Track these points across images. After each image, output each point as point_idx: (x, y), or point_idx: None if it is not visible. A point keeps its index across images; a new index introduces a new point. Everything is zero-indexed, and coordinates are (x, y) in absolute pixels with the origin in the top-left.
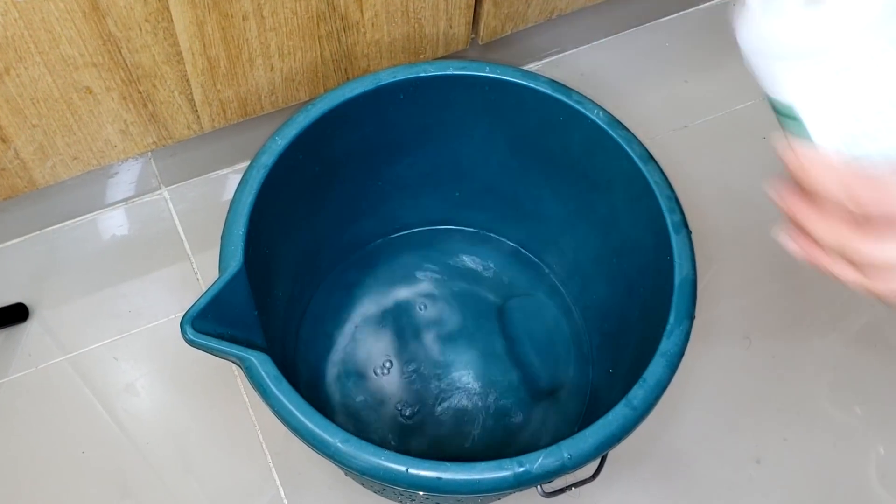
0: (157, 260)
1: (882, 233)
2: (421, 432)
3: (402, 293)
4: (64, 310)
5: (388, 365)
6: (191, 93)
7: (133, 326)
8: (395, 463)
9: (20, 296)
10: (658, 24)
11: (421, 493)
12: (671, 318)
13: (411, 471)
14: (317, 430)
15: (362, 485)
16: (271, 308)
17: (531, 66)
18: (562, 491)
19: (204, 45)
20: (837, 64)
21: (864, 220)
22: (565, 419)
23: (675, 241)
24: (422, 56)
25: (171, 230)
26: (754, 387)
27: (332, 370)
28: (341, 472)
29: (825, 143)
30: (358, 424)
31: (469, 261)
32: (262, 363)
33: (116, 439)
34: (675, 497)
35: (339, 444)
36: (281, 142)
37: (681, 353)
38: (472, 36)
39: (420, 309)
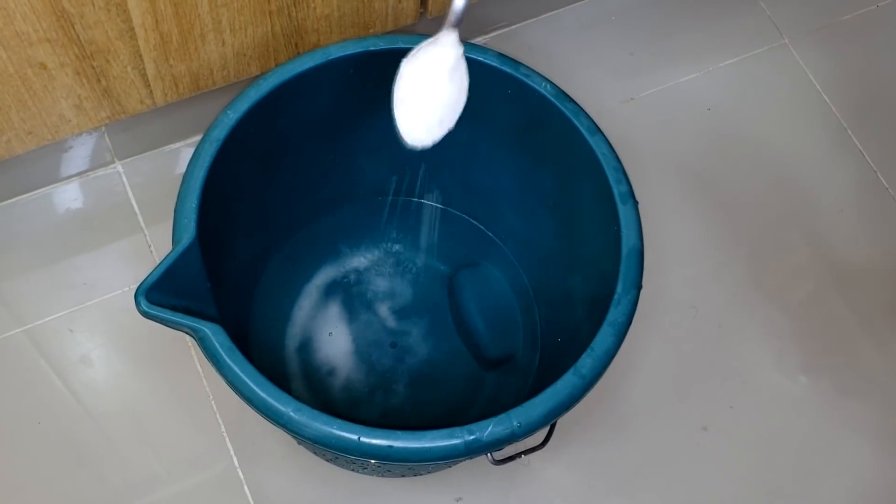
0: (112, 233)
1: None
2: (373, 401)
3: (354, 264)
4: (19, 282)
5: (340, 335)
6: (143, 68)
7: (88, 298)
8: (346, 432)
9: None
10: None
11: (373, 461)
12: (619, 288)
13: (363, 439)
14: (269, 399)
15: (315, 453)
16: (225, 279)
17: (479, 40)
18: (512, 458)
19: (156, 21)
20: None
21: None
22: (515, 388)
23: (622, 211)
24: (371, 30)
25: (124, 203)
26: (701, 355)
27: (284, 340)
28: (294, 441)
29: None
30: (312, 394)
31: (420, 232)
32: (215, 334)
33: (72, 410)
34: (624, 464)
35: (291, 414)
36: (233, 115)
37: (628, 323)
38: (421, 10)
39: (372, 279)
